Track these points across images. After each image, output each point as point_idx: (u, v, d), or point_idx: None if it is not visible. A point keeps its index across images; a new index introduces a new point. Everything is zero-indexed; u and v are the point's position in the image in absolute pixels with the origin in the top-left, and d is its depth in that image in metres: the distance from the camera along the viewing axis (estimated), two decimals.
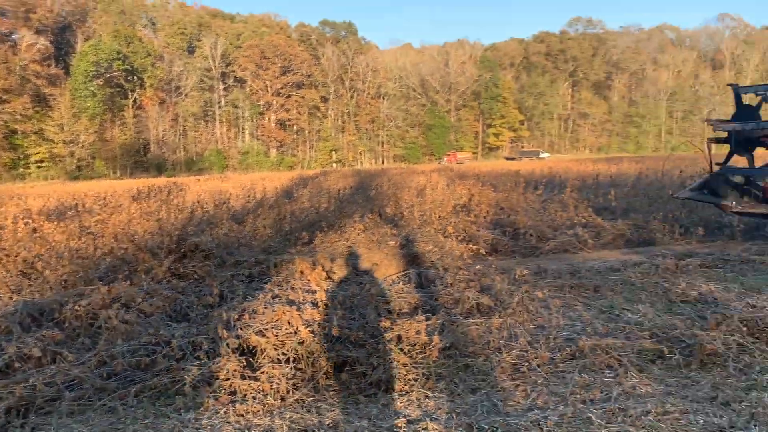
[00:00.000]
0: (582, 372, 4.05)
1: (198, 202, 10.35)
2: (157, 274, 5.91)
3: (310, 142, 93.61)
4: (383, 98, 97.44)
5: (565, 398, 3.68)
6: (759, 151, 8.85)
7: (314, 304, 4.68)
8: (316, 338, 4.13)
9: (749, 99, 8.49)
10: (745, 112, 8.13)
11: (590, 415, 3.42)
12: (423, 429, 3.31)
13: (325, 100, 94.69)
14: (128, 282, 5.51)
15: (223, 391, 3.68)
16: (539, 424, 3.35)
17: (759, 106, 8.06)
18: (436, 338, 4.31)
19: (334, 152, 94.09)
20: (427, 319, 4.69)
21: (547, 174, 24.49)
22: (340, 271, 6.74)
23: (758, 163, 8.73)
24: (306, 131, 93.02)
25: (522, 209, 10.63)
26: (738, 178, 8.55)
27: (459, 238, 8.78)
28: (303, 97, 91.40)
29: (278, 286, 5.83)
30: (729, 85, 8.35)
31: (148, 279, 5.91)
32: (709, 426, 3.26)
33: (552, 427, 3.31)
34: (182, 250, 6.68)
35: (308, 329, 4.20)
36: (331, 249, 7.92)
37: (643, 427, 3.25)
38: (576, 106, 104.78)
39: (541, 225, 9.57)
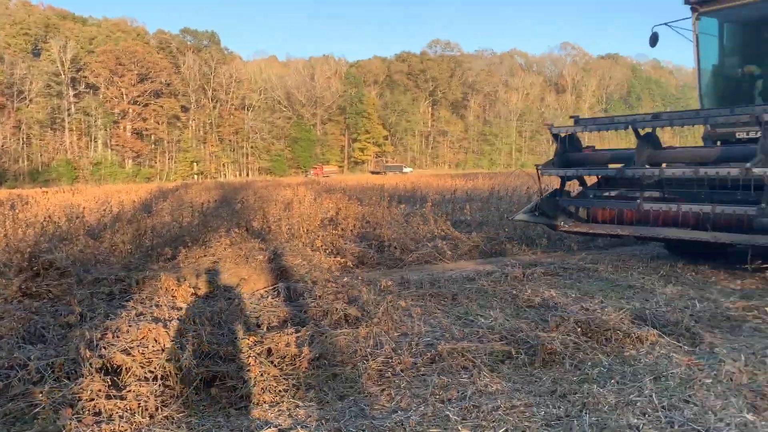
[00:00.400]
0: (441, 374, 4.38)
1: (49, 216, 9.68)
2: (7, 294, 5.51)
3: (170, 153, 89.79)
4: (248, 110, 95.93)
5: (425, 399, 3.97)
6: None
7: (181, 321, 4.64)
8: (184, 354, 4.11)
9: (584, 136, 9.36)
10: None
11: (448, 413, 3.73)
12: None
13: (185, 109, 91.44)
14: None
15: (86, 412, 3.57)
16: (402, 425, 3.60)
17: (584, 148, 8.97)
18: (305, 349, 4.46)
19: (195, 164, 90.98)
20: (297, 331, 4.83)
21: (410, 188, 25.51)
22: (206, 287, 6.67)
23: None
24: (165, 141, 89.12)
25: (387, 222, 11.05)
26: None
27: (327, 251, 8.98)
28: (162, 106, 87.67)
29: (142, 303, 5.67)
30: (571, 117, 9.22)
31: None
32: (549, 416, 3.69)
33: (414, 426, 3.57)
34: (34, 268, 6.27)
35: (176, 346, 4.17)
36: (197, 264, 7.80)
37: (494, 421, 3.61)
38: (436, 123, 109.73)
39: (405, 238, 10.04)
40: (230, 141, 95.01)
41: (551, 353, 4.61)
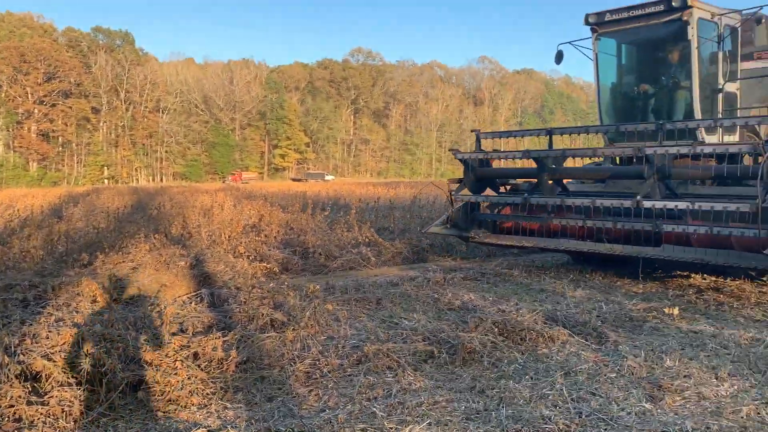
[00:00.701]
0: (367, 374, 4.53)
1: None
2: None
3: (78, 157, 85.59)
4: (163, 113, 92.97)
5: (352, 398, 4.11)
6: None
7: (104, 326, 4.55)
8: (109, 359, 4.06)
9: (489, 144, 9.75)
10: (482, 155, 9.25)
11: (374, 410, 3.88)
12: None
13: (96, 111, 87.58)
14: None
15: (6, 419, 3.47)
16: (331, 422, 3.72)
17: (491, 152, 9.31)
18: (233, 353, 4.49)
19: (106, 168, 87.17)
20: (224, 335, 4.84)
21: (333, 196, 25.58)
22: (127, 293, 6.53)
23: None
24: (73, 144, 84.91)
25: (311, 229, 11.12)
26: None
27: (250, 257, 8.96)
28: (71, 107, 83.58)
29: (59, 309, 5.49)
30: (473, 131, 9.67)
31: None
32: (469, 411, 3.91)
33: (342, 423, 3.70)
34: None
35: (101, 351, 4.10)
36: (115, 270, 7.59)
37: (417, 416, 3.79)
38: (358, 132, 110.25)
39: (329, 244, 10.14)
40: (144, 145, 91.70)
41: (471, 352, 4.86)
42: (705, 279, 8.07)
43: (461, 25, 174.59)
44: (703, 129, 8.28)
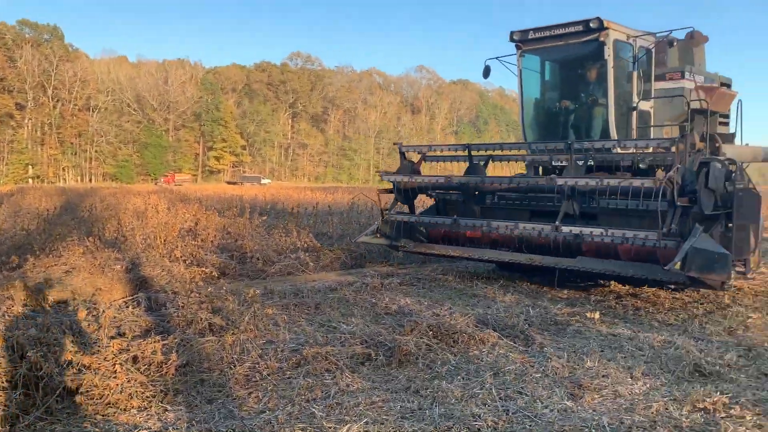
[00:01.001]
0: (306, 377, 4.66)
1: None
2: None
3: (1, 155, 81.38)
4: (93, 111, 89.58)
5: (292, 400, 4.23)
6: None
7: (39, 330, 4.50)
8: (46, 363, 4.03)
9: (412, 156, 9.72)
10: (407, 167, 9.48)
11: (314, 410, 4.02)
12: None
13: (21, 107, 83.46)
14: None
15: None
16: (270, 423, 3.84)
17: (419, 162, 9.52)
18: (173, 356, 4.53)
19: (30, 167, 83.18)
20: (163, 338, 4.87)
21: (270, 200, 25.43)
22: (61, 296, 6.40)
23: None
24: None
25: (248, 234, 11.11)
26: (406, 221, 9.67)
27: (187, 262, 8.89)
28: None
29: None
30: (395, 144, 9.88)
31: None
32: (404, 410, 4.10)
33: (282, 423, 3.82)
34: None
35: (37, 354, 4.07)
36: (47, 273, 7.41)
37: (355, 416, 3.95)
38: (296, 136, 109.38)
39: (267, 249, 10.18)
40: (72, 144, 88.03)
41: (406, 354, 5.07)
42: (625, 286, 8.58)
43: (400, 34, 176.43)
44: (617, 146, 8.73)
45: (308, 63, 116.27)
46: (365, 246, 11.10)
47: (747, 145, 10.31)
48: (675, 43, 9.00)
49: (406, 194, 9.57)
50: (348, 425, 3.75)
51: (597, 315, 6.70)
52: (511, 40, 9.60)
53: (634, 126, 9.15)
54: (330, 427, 3.74)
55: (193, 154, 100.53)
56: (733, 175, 7.09)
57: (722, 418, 3.98)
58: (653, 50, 9.35)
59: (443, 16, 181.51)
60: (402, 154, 9.59)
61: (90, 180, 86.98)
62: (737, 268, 7.37)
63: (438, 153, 9.48)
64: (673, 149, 6.98)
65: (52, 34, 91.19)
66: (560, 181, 7.58)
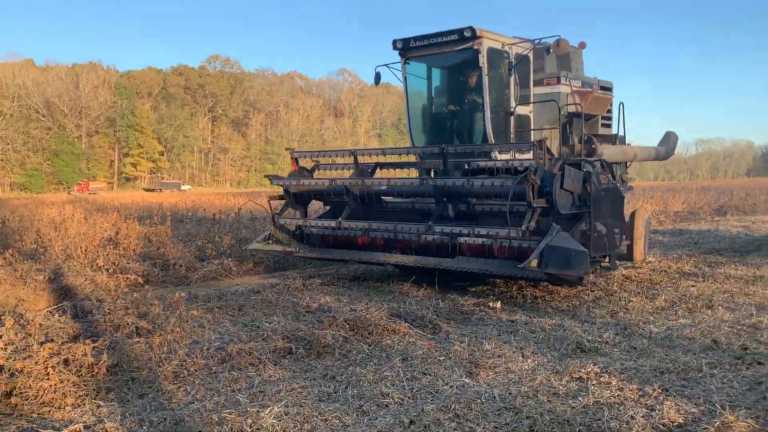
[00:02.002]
0: (231, 371, 5.06)
1: None
2: None
3: None
4: None
5: (219, 391, 4.63)
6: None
7: None
8: None
9: (306, 162, 9.85)
10: (299, 172, 9.57)
11: (239, 398, 4.45)
12: (102, 427, 3.88)
13: None
14: None
15: None
16: (199, 411, 4.23)
17: (313, 168, 9.67)
18: (104, 357, 4.83)
19: None
20: (93, 341, 5.14)
21: (191, 207, 25.23)
22: None
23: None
24: None
25: (170, 241, 11.26)
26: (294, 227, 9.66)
27: (109, 270, 9.01)
28: None
29: None
30: (287, 149, 9.96)
31: None
32: (321, 393, 4.59)
33: (210, 411, 4.22)
34: None
35: None
36: None
37: (277, 400, 4.40)
38: (216, 140, 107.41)
39: (189, 256, 10.39)
40: None
41: (324, 346, 5.56)
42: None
43: (321, 37, 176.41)
44: (496, 150, 9.06)
45: (227, 66, 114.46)
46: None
47: (628, 145, 11.06)
48: (552, 50, 9.35)
49: (296, 199, 9.60)
50: (269, 407, 4.20)
51: (498, 304, 7.42)
52: (395, 48, 9.77)
53: (512, 130, 9.48)
54: (254, 411, 4.18)
55: (107, 161, 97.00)
56: (593, 176, 7.31)
57: (593, 384, 4.69)
58: (530, 57, 9.68)
59: (366, 19, 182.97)
60: (296, 160, 9.63)
61: None
62: (603, 263, 7.78)
63: (329, 160, 9.65)
64: (530, 155, 7.24)
65: None
66: (431, 182, 7.96)
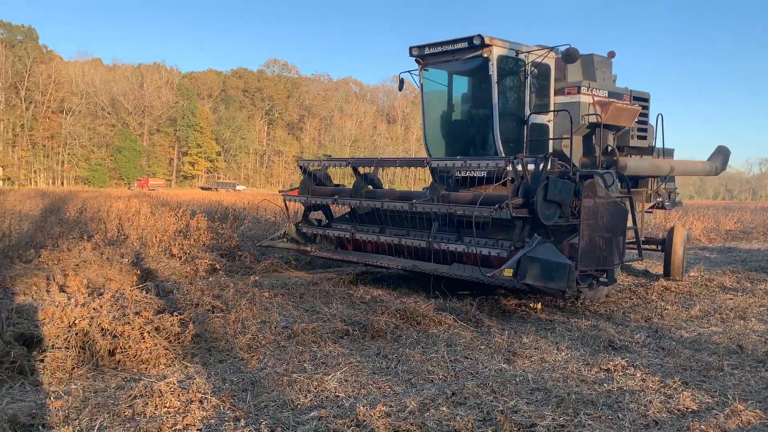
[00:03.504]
0: (297, 345, 5.78)
1: None
2: None
3: None
4: (67, 114, 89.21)
5: (287, 360, 5.35)
6: None
7: (82, 305, 5.54)
8: (92, 330, 5.09)
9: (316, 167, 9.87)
10: (306, 182, 9.59)
11: (305, 366, 5.16)
12: (192, 383, 4.64)
13: None
14: None
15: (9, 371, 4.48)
16: (271, 375, 4.94)
17: (325, 176, 9.86)
18: (190, 326, 5.61)
19: (1, 168, 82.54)
20: (180, 314, 5.94)
21: (249, 205, 26.35)
22: (77, 284, 7.39)
23: None
24: None
25: (235, 234, 12.15)
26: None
27: (182, 259, 9.92)
28: None
29: (24, 294, 6.37)
30: (295, 156, 10.06)
31: None
32: (375, 368, 5.25)
33: (281, 374, 4.93)
34: None
35: (84, 323, 5.13)
36: (61, 265, 8.39)
37: (337, 370, 5.08)
38: (271, 143, 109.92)
39: (253, 249, 11.23)
40: (44, 146, 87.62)
41: (378, 330, 6.22)
42: None
43: (378, 43, 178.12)
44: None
45: (285, 70, 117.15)
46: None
47: (666, 158, 10.79)
48: (578, 60, 9.05)
49: (311, 209, 9.90)
50: (332, 374, 4.89)
51: (539, 306, 7.94)
52: (411, 54, 9.67)
53: (526, 139, 9.29)
54: (318, 377, 4.87)
55: (167, 159, 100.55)
56: (585, 188, 6.88)
57: (619, 375, 5.20)
58: (551, 66, 9.51)
59: (423, 25, 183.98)
60: (303, 170, 9.74)
61: (62, 183, 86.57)
62: (601, 279, 7.36)
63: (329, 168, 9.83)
64: (509, 168, 6.99)
65: (26, 35, 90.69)
66: (418, 207, 7.82)
